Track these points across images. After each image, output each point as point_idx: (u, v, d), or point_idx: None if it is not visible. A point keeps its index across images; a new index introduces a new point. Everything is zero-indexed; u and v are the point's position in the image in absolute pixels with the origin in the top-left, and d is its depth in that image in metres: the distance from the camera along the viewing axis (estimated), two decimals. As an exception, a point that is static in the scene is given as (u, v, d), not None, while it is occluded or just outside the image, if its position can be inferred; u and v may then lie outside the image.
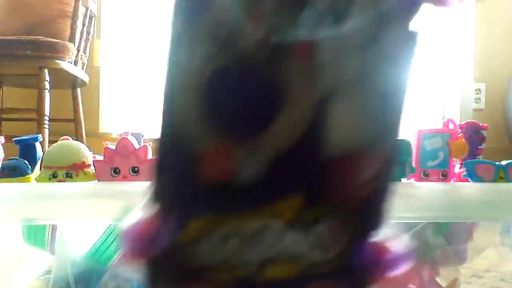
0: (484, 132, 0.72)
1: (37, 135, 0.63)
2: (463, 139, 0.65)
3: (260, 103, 0.14)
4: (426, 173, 0.62)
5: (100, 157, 0.52)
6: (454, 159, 0.63)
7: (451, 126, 0.66)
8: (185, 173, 0.14)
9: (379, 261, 0.15)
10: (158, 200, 0.15)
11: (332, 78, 0.14)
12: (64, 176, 0.52)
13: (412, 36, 0.14)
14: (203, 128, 0.14)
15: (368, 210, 0.15)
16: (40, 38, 1.57)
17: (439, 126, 0.66)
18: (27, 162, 0.56)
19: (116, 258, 0.54)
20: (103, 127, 2.10)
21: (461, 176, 0.62)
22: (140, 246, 0.14)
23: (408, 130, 0.67)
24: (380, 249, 0.15)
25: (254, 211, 0.14)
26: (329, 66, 0.14)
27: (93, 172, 0.52)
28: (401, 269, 0.15)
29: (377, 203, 0.15)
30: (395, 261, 0.15)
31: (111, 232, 0.54)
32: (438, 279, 0.62)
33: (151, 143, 0.54)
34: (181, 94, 0.14)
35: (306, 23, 0.13)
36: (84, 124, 1.85)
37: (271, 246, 0.14)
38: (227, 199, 0.14)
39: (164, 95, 0.14)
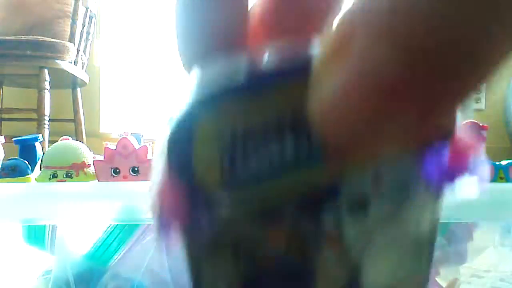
0: (484, 132, 0.72)
1: (37, 135, 0.63)
2: (463, 139, 0.64)
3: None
4: (426, 173, 0.62)
5: (100, 157, 0.52)
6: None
7: (451, 126, 0.65)
8: None
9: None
10: None
11: (362, 253, 0.15)
12: (64, 176, 0.52)
13: (438, 194, 0.15)
14: None
15: None
16: (40, 38, 1.58)
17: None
18: (27, 162, 0.56)
19: (116, 258, 0.54)
20: (103, 127, 2.10)
21: (461, 176, 0.62)
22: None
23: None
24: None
25: None
26: (355, 246, 0.15)
27: (93, 172, 0.52)
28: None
29: None
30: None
31: (111, 232, 0.54)
32: (438, 279, 0.62)
33: (151, 143, 0.54)
34: None
35: (329, 216, 0.14)
36: (84, 124, 1.85)
37: None
38: None
39: None
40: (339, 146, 0.13)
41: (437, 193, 0.15)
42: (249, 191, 0.14)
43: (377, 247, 0.15)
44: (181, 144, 0.14)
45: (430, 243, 0.16)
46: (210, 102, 0.14)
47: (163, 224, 0.14)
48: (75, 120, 1.82)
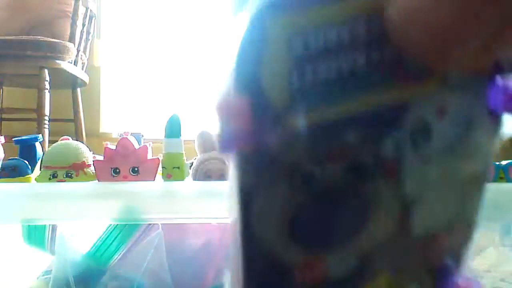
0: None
1: (37, 135, 0.63)
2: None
3: (346, 219, 0.15)
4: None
5: (100, 157, 0.52)
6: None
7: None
8: (276, 280, 0.15)
9: None
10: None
11: (417, 186, 0.15)
12: (64, 176, 0.52)
13: (497, 129, 0.15)
14: (292, 248, 0.15)
15: (451, 263, 0.17)
16: (40, 38, 1.57)
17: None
18: (27, 162, 0.56)
19: (116, 258, 0.54)
20: (103, 127, 2.10)
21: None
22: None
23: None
24: None
25: None
26: (413, 176, 0.14)
27: (93, 172, 0.52)
28: None
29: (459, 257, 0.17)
30: None
31: (111, 232, 0.54)
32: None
33: (151, 143, 0.54)
34: (268, 224, 0.14)
35: (391, 145, 0.14)
36: (84, 124, 1.84)
37: None
38: None
39: (246, 223, 0.15)
40: (416, 49, 0.12)
41: (497, 126, 0.15)
42: (316, 110, 0.13)
43: (432, 185, 0.15)
44: (250, 58, 0.14)
45: (480, 187, 0.16)
46: (281, 8, 0.13)
47: (227, 141, 0.14)
48: (75, 120, 1.81)
